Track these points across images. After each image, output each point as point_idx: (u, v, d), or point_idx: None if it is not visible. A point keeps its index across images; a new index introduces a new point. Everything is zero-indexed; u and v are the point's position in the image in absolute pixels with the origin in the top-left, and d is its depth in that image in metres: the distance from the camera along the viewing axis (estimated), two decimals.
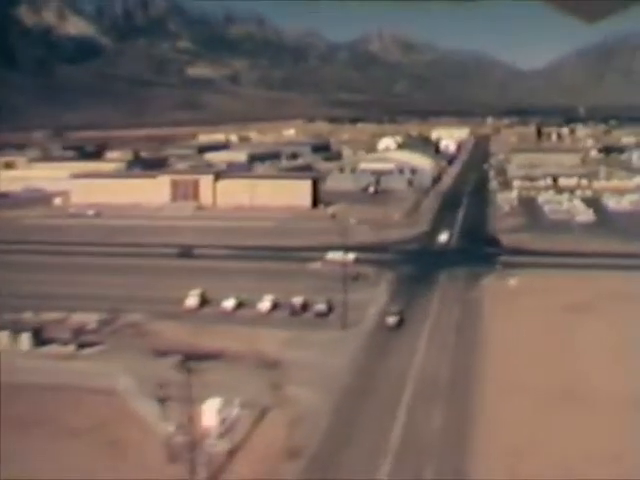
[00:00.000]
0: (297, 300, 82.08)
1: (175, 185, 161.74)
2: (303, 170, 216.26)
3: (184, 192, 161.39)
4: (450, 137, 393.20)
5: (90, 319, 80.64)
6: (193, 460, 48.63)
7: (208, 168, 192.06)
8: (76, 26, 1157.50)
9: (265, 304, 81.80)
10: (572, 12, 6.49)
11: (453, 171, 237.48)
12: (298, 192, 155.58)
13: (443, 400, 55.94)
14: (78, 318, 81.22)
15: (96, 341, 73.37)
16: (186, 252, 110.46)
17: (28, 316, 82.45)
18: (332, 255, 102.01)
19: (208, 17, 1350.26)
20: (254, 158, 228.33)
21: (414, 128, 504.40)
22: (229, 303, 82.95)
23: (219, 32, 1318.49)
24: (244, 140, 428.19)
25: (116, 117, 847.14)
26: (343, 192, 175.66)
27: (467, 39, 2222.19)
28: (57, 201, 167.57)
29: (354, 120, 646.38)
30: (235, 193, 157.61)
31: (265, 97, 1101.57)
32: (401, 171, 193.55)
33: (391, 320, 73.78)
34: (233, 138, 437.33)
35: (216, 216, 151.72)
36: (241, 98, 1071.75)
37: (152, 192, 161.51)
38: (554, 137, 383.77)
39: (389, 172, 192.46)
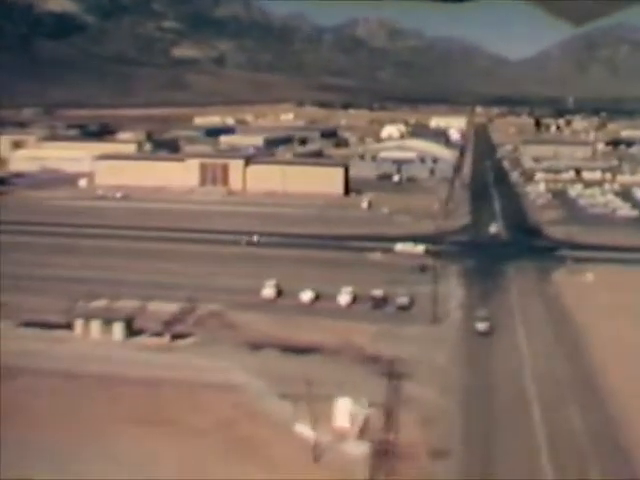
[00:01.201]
0: (378, 293, 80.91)
1: (204, 169, 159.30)
2: (316, 156, 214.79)
3: (213, 176, 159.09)
4: (449, 126, 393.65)
5: (169, 308, 78.83)
6: (336, 462, 47.64)
7: (236, 152, 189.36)
8: (59, 3, 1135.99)
9: (345, 297, 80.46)
10: (560, 15, 6.47)
11: (467, 161, 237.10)
12: (330, 179, 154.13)
13: (574, 397, 55.35)
14: (156, 307, 79.31)
15: (186, 332, 71.72)
16: (250, 240, 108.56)
17: (103, 304, 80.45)
18: (402, 246, 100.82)
19: None
20: (269, 143, 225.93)
21: (409, 115, 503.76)
22: (307, 295, 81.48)
23: (205, 12, 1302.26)
24: (241, 123, 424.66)
25: (102, 95, 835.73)
26: (365, 180, 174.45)
27: (454, 27, 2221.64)
28: (82, 182, 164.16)
29: (345, 105, 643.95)
30: (265, 178, 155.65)
31: (251, 79, 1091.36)
32: (422, 160, 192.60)
33: (481, 326, 71.43)
34: (230, 121, 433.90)
35: (249, 202, 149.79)
36: (227, 79, 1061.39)
37: (180, 175, 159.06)
38: (553, 128, 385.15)
39: (410, 161, 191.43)
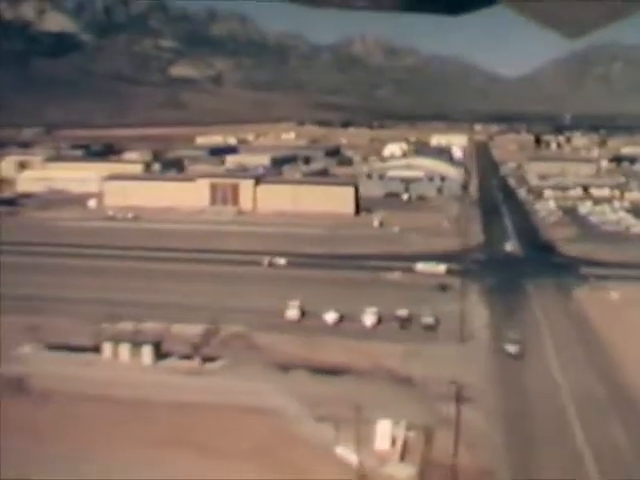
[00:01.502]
0: (402, 312, 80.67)
1: (214, 189, 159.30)
2: (321, 175, 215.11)
3: (223, 196, 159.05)
4: (450, 143, 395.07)
5: (192, 330, 78.35)
6: None
7: (246, 172, 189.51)
8: (56, 21, 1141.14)
9: (370, 317, 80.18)
10: (554, 28, 6.41)
11: (473, 179, 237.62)
12: (341, 198, 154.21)
13: (614, 415, 55.08)
14: (179, 329, 78.84)
15: (213, 354, 71.26)
16: (272, 261, 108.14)
17: (128, 326, 79.89)
18: (423, 266, 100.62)
19: (190, 15, 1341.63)
20: (275, 162, 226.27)
21: (408, 133, 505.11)
22: (331, 316, 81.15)
23: (201, 30, 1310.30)
24: (243, 142, 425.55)
25: (99, 114, 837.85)
26: (373, 198, 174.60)
27: (448, 45, 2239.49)
28: (91, 203, 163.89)
29: (345, 124, 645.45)
30: (276, 198, 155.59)
31: (249, 98, 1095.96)
32: (430, 178, 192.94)
33: (512, 349, 70.75)
34: (232, 140, 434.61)
35: (260, 221, 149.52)
36: (224, 98, 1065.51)
37: (190, 196, 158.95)
38: (554, 146, 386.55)
39: (418, 179, 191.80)
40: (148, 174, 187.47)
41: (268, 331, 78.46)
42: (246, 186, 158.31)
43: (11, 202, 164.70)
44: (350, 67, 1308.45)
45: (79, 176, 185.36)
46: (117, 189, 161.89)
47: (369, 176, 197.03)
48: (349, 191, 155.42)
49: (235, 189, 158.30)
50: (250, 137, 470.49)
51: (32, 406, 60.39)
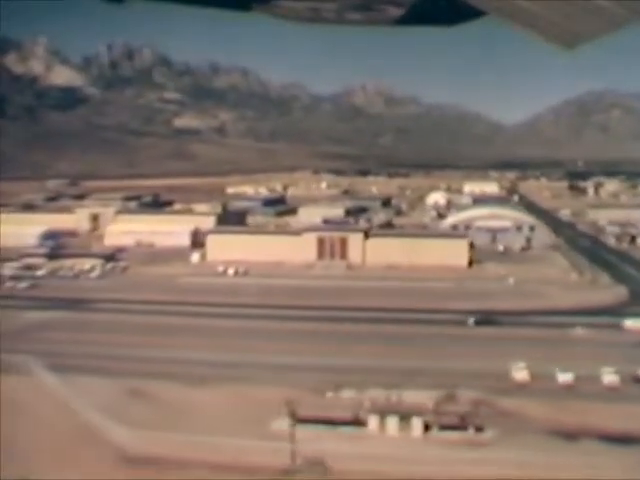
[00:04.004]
0: None
1: (322, 242, 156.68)
2: (388, 226, 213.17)
3: (331, 250, 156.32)
4: (484, 191, 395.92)
5: (423, 397, 74.61)
6: None
7: (354, 225, 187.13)
8: (63, 75, 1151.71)
9: (611, 377, 76.89)
10: (547, 38, 6.17)
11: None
12: (454, 251, 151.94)
13: None
14: (412, 396, 74.99)
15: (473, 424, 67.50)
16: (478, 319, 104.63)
17: (352, 394, 76.04)
18: (631, 322, 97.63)
19: (193, 68, 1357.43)
20: (348, 213, 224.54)
21: (435, 182, 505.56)
22: (567, 377, 77.77)
23: (204, 83, 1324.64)
24: (272, 191, 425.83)
25: (109, 166, 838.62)
26: None
27: (447, 93, 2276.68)
28: (194, 257, 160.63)
29: (363, 172, 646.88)
30: (385, 251, 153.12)
31: (254, 148, 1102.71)
32: (518, 228, 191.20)
33: None
34: (263, 190, 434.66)
35: (374, 276, 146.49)
36: (230, 148, 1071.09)
37: (296, 249, 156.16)
38: (591, 192, 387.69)
39: (506, 229, 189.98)
40: (254, 228, 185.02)
41: (504, 395, 75.13)
42: (355, 239, 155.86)
43: (110, 257, 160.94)
44: (352, 116, 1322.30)
45: (169, 229, 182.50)
46: (221, 243, 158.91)
47: (454, 227, 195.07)
48: (463, 243, 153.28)
49: (344, 242, 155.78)
50: (278, 187, 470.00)
51: None
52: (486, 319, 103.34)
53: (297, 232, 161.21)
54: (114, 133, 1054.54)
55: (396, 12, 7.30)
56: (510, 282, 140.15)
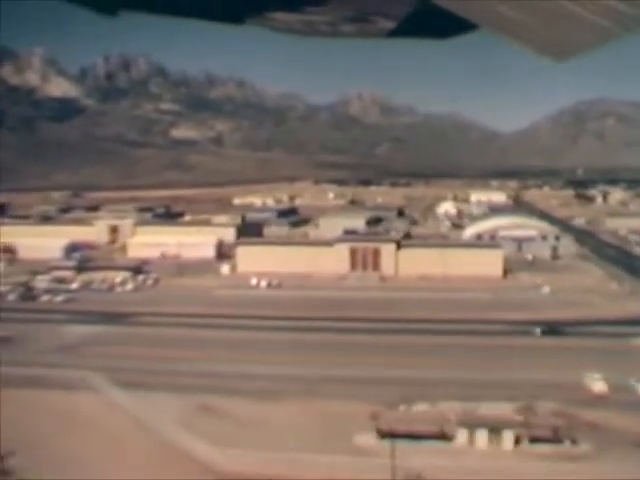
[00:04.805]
0: None
1: (354, 253, 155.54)
2: (407, 236, 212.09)
3: (363, 261, 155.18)
4: (491, 200, 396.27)
5: (504, 409, 73.37)
6: None
7: (385, 236, 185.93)
8: (60, 87, 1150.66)
9: None
10: (539, 50, 6.34)
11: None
12: (489, 261, 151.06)
13: None
14: (490, 408, 73.76)
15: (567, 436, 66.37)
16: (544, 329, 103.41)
17: (425, 408, 74.87)
18: None
19: (189, 79, 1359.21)
20: (369, 224, 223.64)
21: (437, 191, 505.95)
22: None
23: (200, 94, 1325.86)
24: (279, 203, 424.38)
25: (107, 177, 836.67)
26: None
27: (443, 102, 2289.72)
28: (224, 269, 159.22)
29: (365, 182, 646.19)
30: (418, 262, 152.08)
31: (251, 158, 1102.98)
32: (544, 237, 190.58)
33: None
34: (269, 201, 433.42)
35: (409, 287, 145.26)
36: (228, 159, 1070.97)
37: (328, 260, 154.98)
38: (599, 200, 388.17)
39: (532, 239, 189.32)
40: (284, 239, 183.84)
41: (583, 407, 73.99)
42: (388, 250, 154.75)
43: (138, 270, 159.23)
44: (348, 126, 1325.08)
45: (194, 241, 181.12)
46: (252, 255, 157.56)
47: (479, 237, 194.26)
48: (497, 253, 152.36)
49: (376, 253, 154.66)
50: (284, 197, 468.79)
51: None
52: (552, 329, 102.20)
53: (329, 243, 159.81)
54: (111, 144, 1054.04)
55: (388, 24, 7.33)
56: (547, 291, 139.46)
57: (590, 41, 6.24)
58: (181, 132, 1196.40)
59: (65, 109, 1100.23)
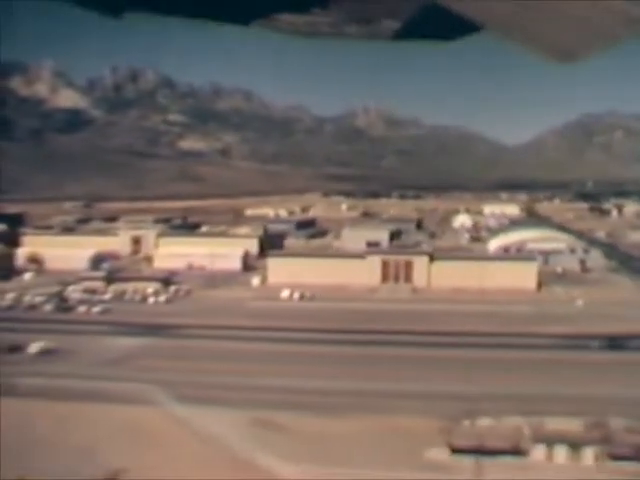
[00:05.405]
0: None
1: (386, 266, 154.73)
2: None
3: (395, 273, 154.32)
4: (504, 213, 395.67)
5: (574, 425, 72.16)
6: None
7: (416, 248, 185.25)
8: (68, 98, 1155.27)
9: None
10: (543, 52, 6.31)
11: None
12: (523, 273, 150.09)
13: None
14: (558, 424, 72.57)
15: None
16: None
17: (488, 423, 73.81)
18: None
19: (196, 90, 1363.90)
20: (392, 236, 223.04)
21: (448, 204, 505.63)
22: None
23: (207, 105, 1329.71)
24: (292, 214, 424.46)
25: (116, 188, 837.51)
26: None
27: (449, 115, 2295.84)
28: (255, 281, 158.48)
29: (374, 195, 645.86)
30: (451, 275, 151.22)
31: (258, 170, 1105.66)
32: (572, 250, 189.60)
33: None
34: (282, 212, 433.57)
35: (443, 299, 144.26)
36: (236, 171, 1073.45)
37: (360, 273, 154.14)
38: (615, 213, 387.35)
39: (560, 251, 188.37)
40: (314, 250, 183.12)
41: None
42: (420, 262, 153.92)
43: (167, 281, 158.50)
44: (354, 139, 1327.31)
45: (221, 252, 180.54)
46: (283, 266, 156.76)
47: (506, 250, 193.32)
48: (532, 266, 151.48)
49: (409, 266, 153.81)
50: (296, 209, 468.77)
51: None
52: (610, 343, 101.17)
53: (360, 255, 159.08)
54: (120, 155, 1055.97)
55: (393, 25, 7.27)
56: (580, 304, 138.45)
57: (598, 44, 6.10)
58: (189, 143, 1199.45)
59: (73, 120, 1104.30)
